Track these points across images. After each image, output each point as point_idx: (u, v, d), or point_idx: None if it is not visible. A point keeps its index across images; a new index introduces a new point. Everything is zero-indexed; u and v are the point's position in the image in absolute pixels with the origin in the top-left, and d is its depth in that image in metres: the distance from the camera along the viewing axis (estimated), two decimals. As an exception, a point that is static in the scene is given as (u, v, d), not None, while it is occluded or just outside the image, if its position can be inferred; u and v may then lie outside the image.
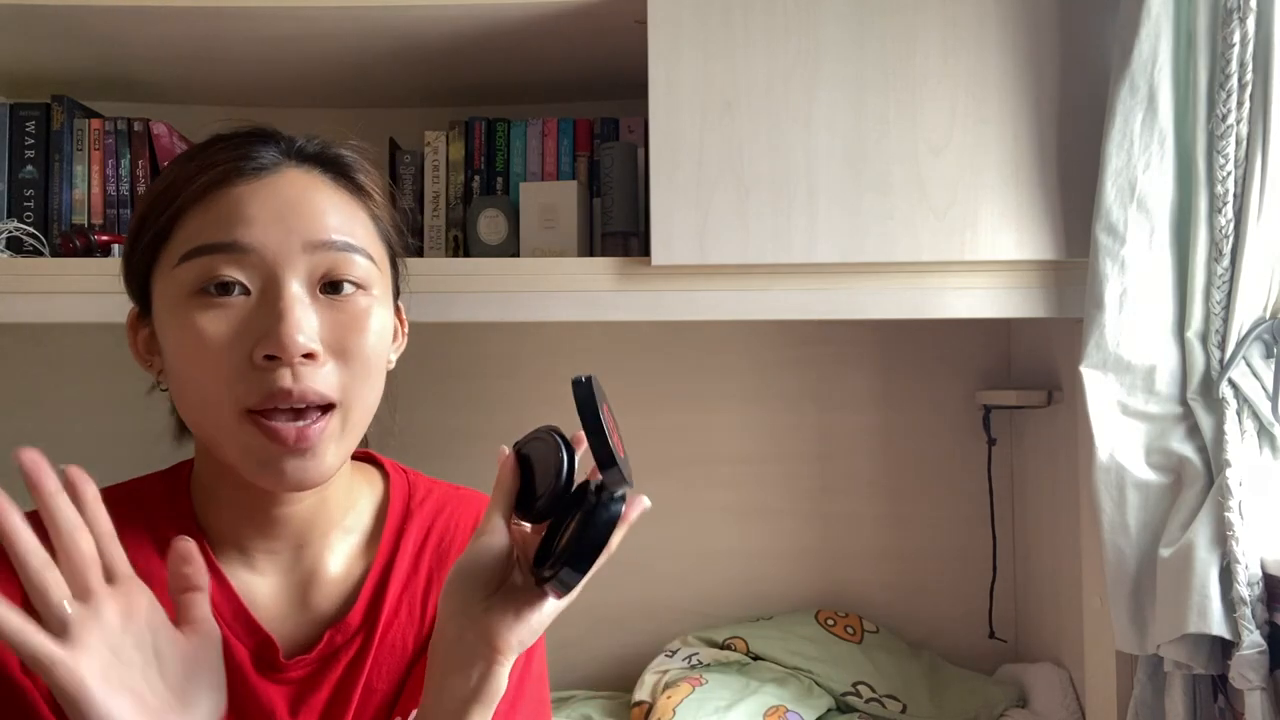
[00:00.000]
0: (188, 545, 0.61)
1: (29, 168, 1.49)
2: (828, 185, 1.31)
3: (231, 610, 0.73)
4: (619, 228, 1.48)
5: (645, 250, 1.38)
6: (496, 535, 0.67)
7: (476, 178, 1.57)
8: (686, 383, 1.81)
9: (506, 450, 0.71)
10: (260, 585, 0.76)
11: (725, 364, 1.81)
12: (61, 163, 1.49)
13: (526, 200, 1.48)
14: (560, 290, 1.36)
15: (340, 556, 0.79)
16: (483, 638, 0.65)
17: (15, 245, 1.44)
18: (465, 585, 0.66)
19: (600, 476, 0.65)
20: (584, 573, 0.64)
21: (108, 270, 1.36)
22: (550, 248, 1.45)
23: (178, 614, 0.62)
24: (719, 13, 1.32)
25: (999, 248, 1.32)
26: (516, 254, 1.47)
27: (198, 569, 0.62)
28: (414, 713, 0.75)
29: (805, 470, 1.80)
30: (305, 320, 0.67)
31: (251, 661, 0.73)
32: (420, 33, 1.45)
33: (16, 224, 1.45)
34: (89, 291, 1.34)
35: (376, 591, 0.78)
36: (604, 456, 0.64)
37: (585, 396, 0.64)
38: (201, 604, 0.63)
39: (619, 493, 0.65)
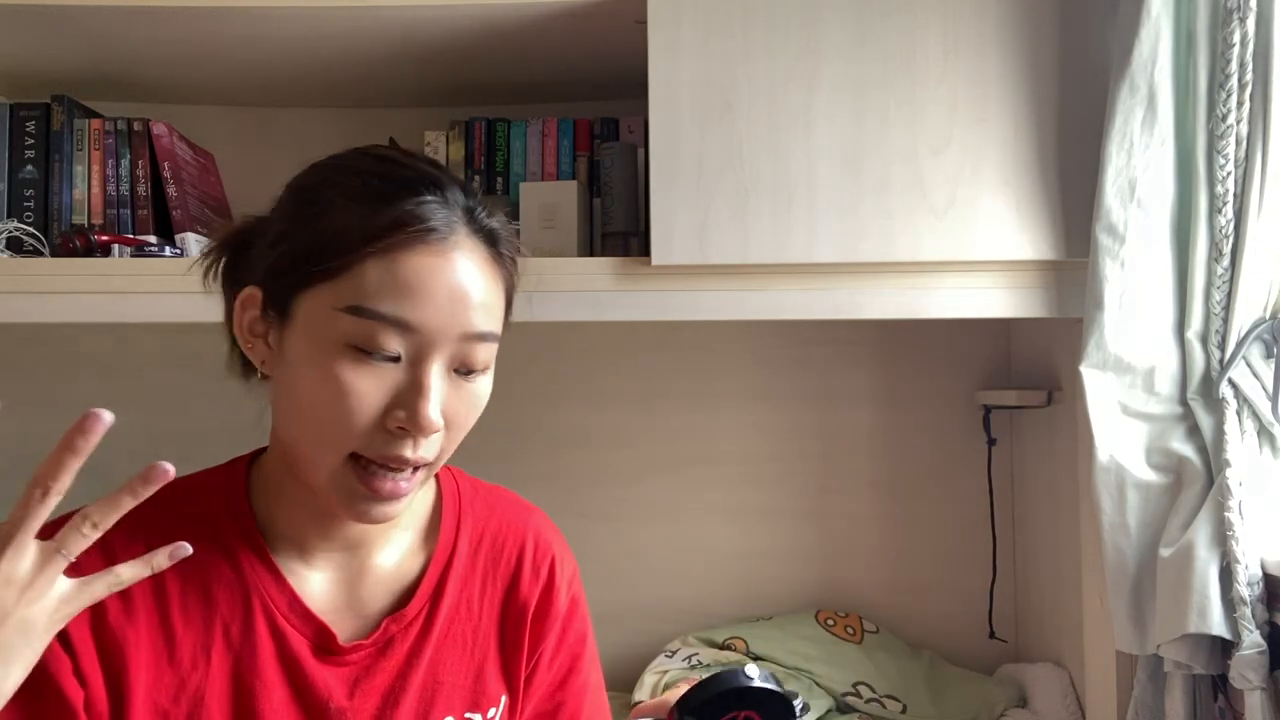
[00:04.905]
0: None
1: (29, 168, 1.49)
2: (828, 185, 1.31)
3: (287, 602, 0.76)
4: (619, 228, 1.48)
5: (645, 250, 1.38)
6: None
7: (476, 178, 1.57)
8: (686, 383, 1.81)
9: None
10: (315, 579, 0.79)
11: (725, 364, 1.81)
12: (61, 163, 1.49)
13: (526, 200, 1.48)
14: (560, 290, 1.35)
15: (395, 552, 0.82)
16: None
17: (15, 245, 1.44)
18: None
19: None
20: None
21: (108, 270, 1.36)
22: (550, 248, 1.45)
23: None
24: (719, 13, 1.32)
25: (999, 248, 1.31)
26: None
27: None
28: (491, 710, 0.81)
29: (805, 470, 1.80)
30: (438, 400, 0.71)
31: (311, 649, 0.76)
32: (420, 33, 1.45)
33: (16, 224, 1.45)
34: (89, 291, 1.34)
35: (438, 585, 0.82)
36: None
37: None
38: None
39: None
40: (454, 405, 0.73)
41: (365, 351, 0.70)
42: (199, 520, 0.77)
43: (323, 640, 0.77)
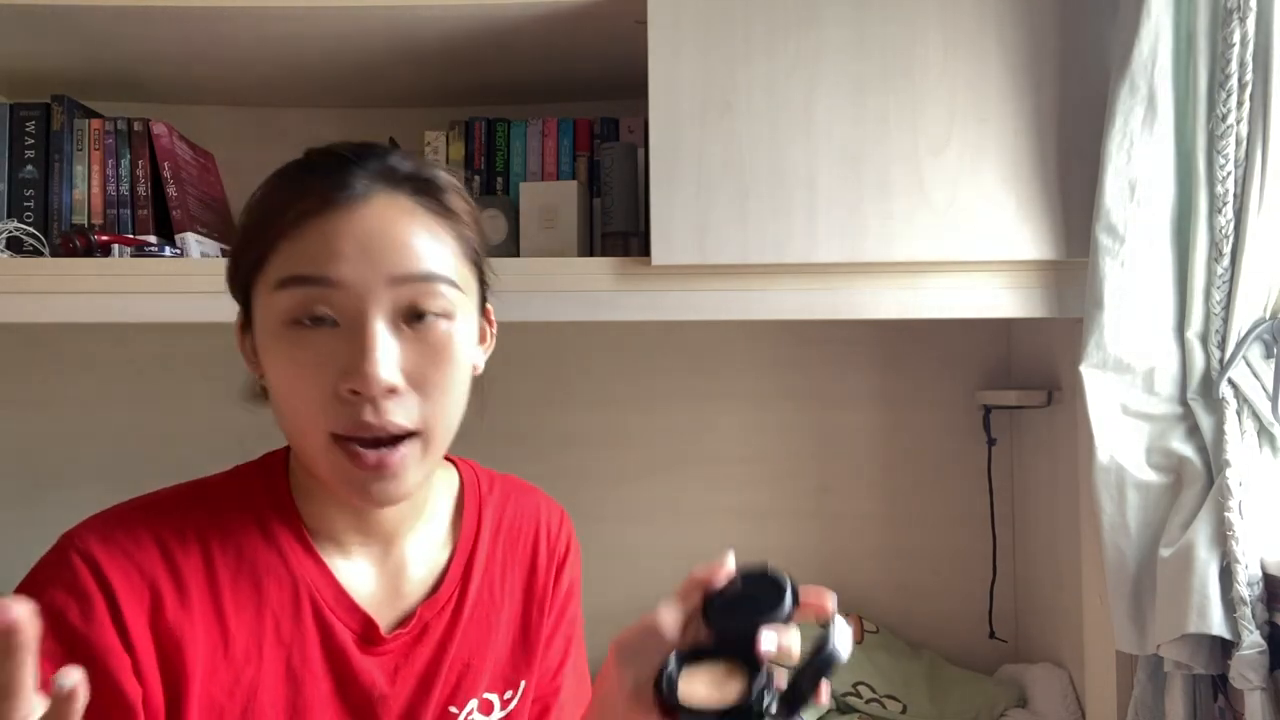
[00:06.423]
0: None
1: (29, 168, 1.49)
2: (828, 185, 1.31)
3: (333, 594, 0.78)
4: (619, 228, 1.48)
5: (645, 250, 1.38)
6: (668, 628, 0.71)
7: (476, 178, 1.57)
8: (686, 383, 1.81)
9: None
10: (354, 571, 0.80)
11: (725, 364, 1.81)
12: (61, 163, 1.49)
13: (526, 200, 1.48)
14: (560, 290, 1.36)
15: (426, 543, 0.85)
16: None
17: (15, 245, 1.44)
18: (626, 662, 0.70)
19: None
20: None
21: (107, 270, 1.36)
22: (550, 248, 1.45)
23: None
24: (719, 13, 1.32)
25: (999, 248, 1.31)
26: (516, 254, 1.47)
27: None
28: (509, 692, 0.85)
29: (805, 470, 1.80)
30: (387, 356, 0.70)
31: (356, 640, 0.78)
32: (420, 33, 1.45)
33: (16, 224, 1.45)
34: (89, 291, 1.34)
35: (465, 573, 0.85)
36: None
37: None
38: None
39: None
40: (413, 360, 0.71)
41: (302, 324, 0.70)
42: (246, 515, 0.78)
43: (367, 631, 0.78)
